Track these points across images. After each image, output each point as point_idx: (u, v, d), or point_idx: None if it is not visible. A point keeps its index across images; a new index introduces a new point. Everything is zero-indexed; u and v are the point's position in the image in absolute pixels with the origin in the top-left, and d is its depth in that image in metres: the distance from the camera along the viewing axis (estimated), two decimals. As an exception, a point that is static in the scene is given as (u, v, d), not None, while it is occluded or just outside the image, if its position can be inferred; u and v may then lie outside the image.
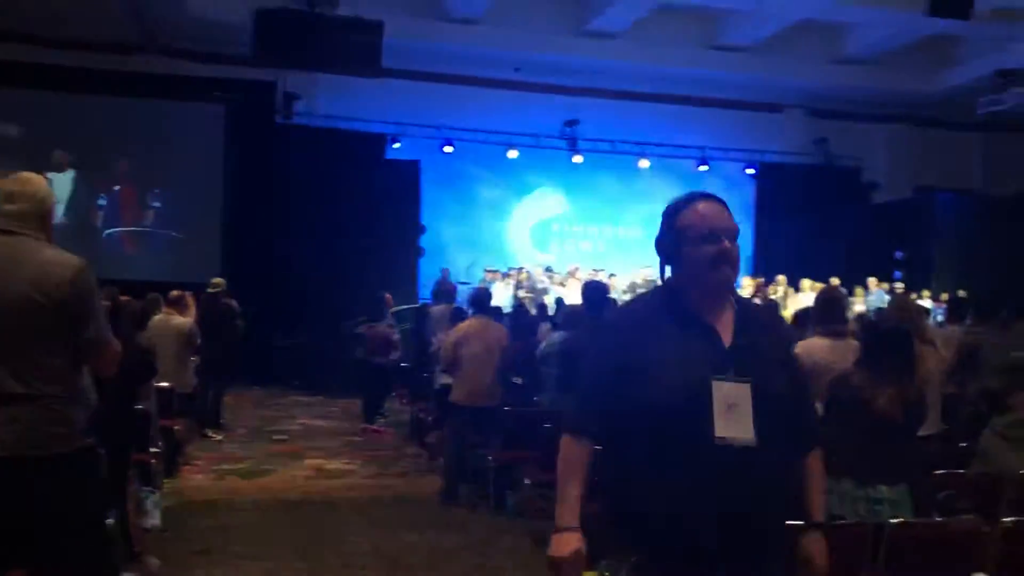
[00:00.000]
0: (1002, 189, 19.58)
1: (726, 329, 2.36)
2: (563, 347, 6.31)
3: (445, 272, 17.29)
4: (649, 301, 2.47)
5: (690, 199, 2.53)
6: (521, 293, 16.87)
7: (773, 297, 16.52)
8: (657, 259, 2.59)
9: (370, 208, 17.43)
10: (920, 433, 4.62)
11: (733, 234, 2.44)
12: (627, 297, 16.67)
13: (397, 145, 18.96)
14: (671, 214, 2.53)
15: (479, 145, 19.87)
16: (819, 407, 4.58)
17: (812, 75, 19.27)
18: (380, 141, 18.66)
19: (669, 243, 2.48)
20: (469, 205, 20.22)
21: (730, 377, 2.24)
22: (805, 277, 17.30)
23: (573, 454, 2.40)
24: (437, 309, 11.04)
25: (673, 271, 2.49)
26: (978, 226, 17.89)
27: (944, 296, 15.03)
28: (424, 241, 19.07)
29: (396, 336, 11.53)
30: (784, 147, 21.88)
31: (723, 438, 2.20)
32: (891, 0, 16.25)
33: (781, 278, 17.92)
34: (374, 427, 10.96)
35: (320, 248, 16.92)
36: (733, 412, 2.20)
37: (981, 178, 20.68)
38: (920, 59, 18.66)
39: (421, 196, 18.85)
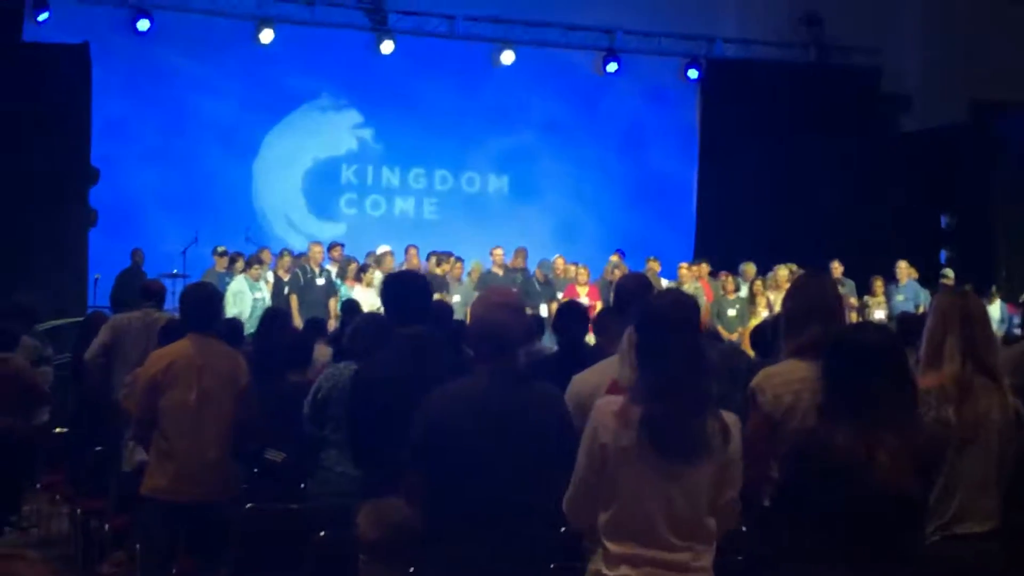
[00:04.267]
0: None
1: None
2: (358, 387, 6.21)
3: (137, 255, 17.10)
4: None
5: None
6: (288, 293, 16.65)
7: (734, 296, 16.90)
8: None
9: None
10: (963, 529, 4.85)
11: None
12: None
13: (44, 16, 18.60)
14: None
15: (201, 19, 19.75)
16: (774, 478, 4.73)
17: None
18: (13, 9, 18.24)
19: None
20: (183, 131, 20.11)
21: None
22: (785, 262, 17.78)
23: None
24: (124, 321, 10.75)
25: None
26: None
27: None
28: (98, 197, 18.66)
29: (46, 377, 11.31)
30: (749, 32, 22.55)
31: None
32: None
33: (748, 268, 18.30)
34: (-1, 549, 10.53)
35: None
36: None
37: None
38: None
39: (92, 112, 18.43)
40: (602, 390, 5.11)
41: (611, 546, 4.20)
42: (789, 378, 5.06)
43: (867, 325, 4.55)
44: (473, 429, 4.64)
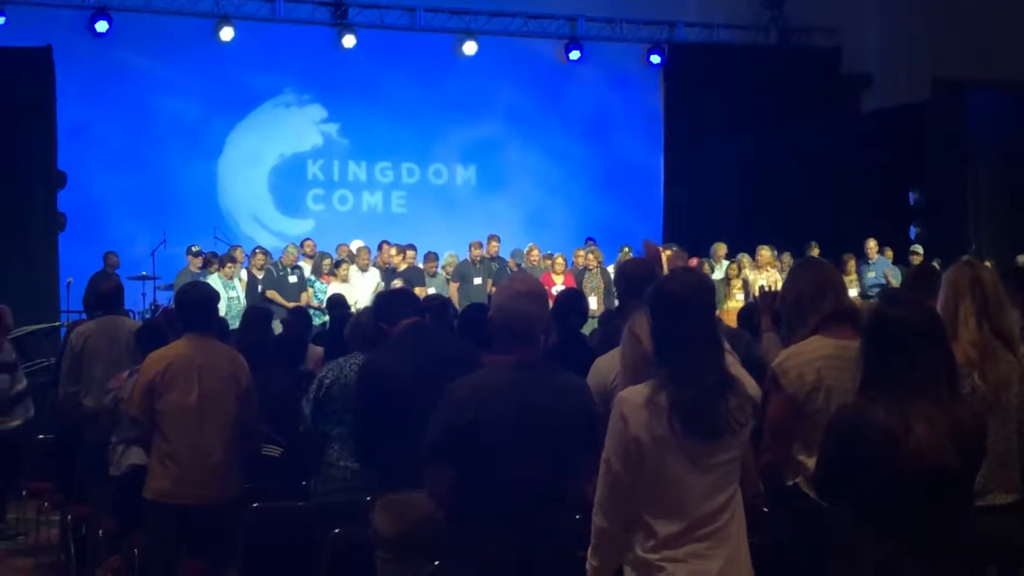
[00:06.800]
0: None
1: None
2: (366, 379, 6.19)
3: (110, 259, 16.95)
4: None
5: None
6: (263, 290, 16.70)
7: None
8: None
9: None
10: (985, 501, 4.81)
11: None
12: (453, 289, 16.78)
13: (1, 20, 18.65)
14: None
15: (160, 19, 19.75)
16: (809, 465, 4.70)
17: None
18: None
19: None
20: (146, 132, 20.05)
21: None
22: (753, 243, 17.89)
23: None
24: (99, 327, 10.66)
25: None
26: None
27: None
28: (66, 202, 18.55)
29: (21, 384, 11.29)
30: (710, 16, 22.62)
31: None
32: None
33: (719, 248, 18.42)
34: (-13, 557, 10.54)
35: None
36: None
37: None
38: None
39: (57, 116, 18.26)
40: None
41: (653, 531, 4.11)
42: (811, 357, 5.06)
43: (905, 299, 4.48)
44: (500, 420, 4.54)
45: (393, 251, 17.65)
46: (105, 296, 10.48)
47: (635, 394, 4.16)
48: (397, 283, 16.01)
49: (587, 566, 4.23)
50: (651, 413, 4.08)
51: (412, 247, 17.75)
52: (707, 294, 4.34)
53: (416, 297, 7.28)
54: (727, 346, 4.33)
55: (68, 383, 9.96)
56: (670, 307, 4.21)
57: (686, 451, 4.08)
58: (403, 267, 17.38)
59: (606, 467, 4.16)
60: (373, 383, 5.92)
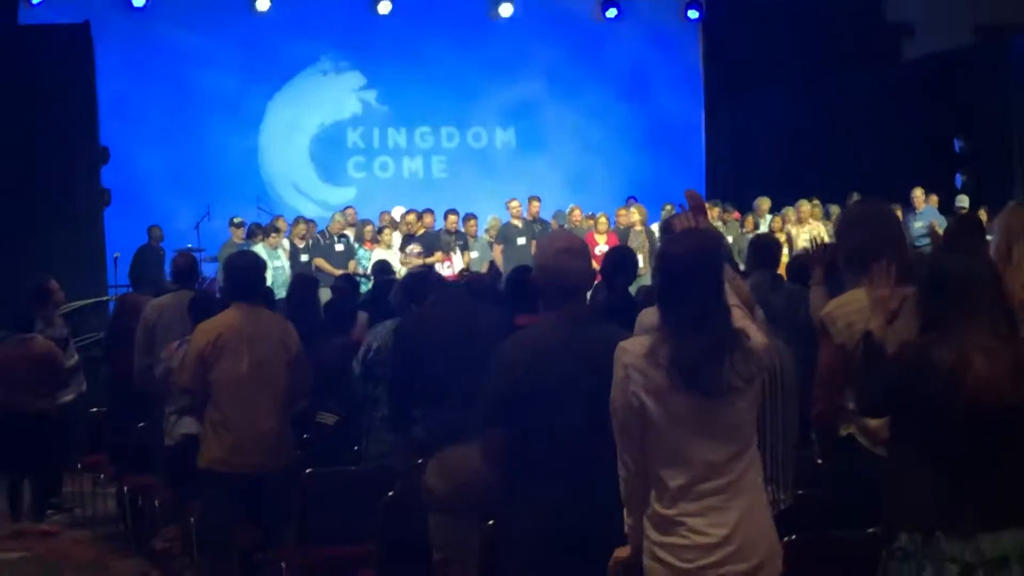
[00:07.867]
0: None
1: None
2: (401, 341, 6.28)
3: (154, 232, 17.19)
4: None
5: None
6: (311, 259, 16.90)
7: (757, 233, 16.90)
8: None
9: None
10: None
11: None
12: (497, 252, 16.80)
13: (39, -1, 18.70)
14: None
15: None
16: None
17: None
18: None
19: None
20: (186, 105, 20.16)
21: None
22: (796, 197, 17.85)
23: None
24: (174, 300, 10.68)
25: None
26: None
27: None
28: (110, 177, 18.61)
29: (72, 358, 11.45)
30: (748, -32, 22.44)
31: None
32: None
33: (762, 203, 18.38)
34: (44, 527, 10.68)
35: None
36: None
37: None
38: None
39: (98, 93, 18.32)
40: None
41: (665, 484, 4.08)
42: (859, 306, 4.98)
43: (958, 248, 4.46)
44: (550, 378, 4.54)
45: (411, 217, 17.70)
46: (181, 270, 10.51)
47: (637, 344, 4.16)
48: (415, 248, 15.98)
49: (626, 527, 4.22)
50: (651, 365, 4.07)
51: (430, 212, 17.94)
52: (711, 256, 4.26)
53: (442, 278, 7.38)
54: (736, 301, 4.30)
55: (142, 356, 9.95)
56: (672, 269, 4.21)
57: (688, 403, 4.06)
58: (420, 231, 17.40)
59: (614, 416, 4.15)
60: (408, 342, 6.03)
